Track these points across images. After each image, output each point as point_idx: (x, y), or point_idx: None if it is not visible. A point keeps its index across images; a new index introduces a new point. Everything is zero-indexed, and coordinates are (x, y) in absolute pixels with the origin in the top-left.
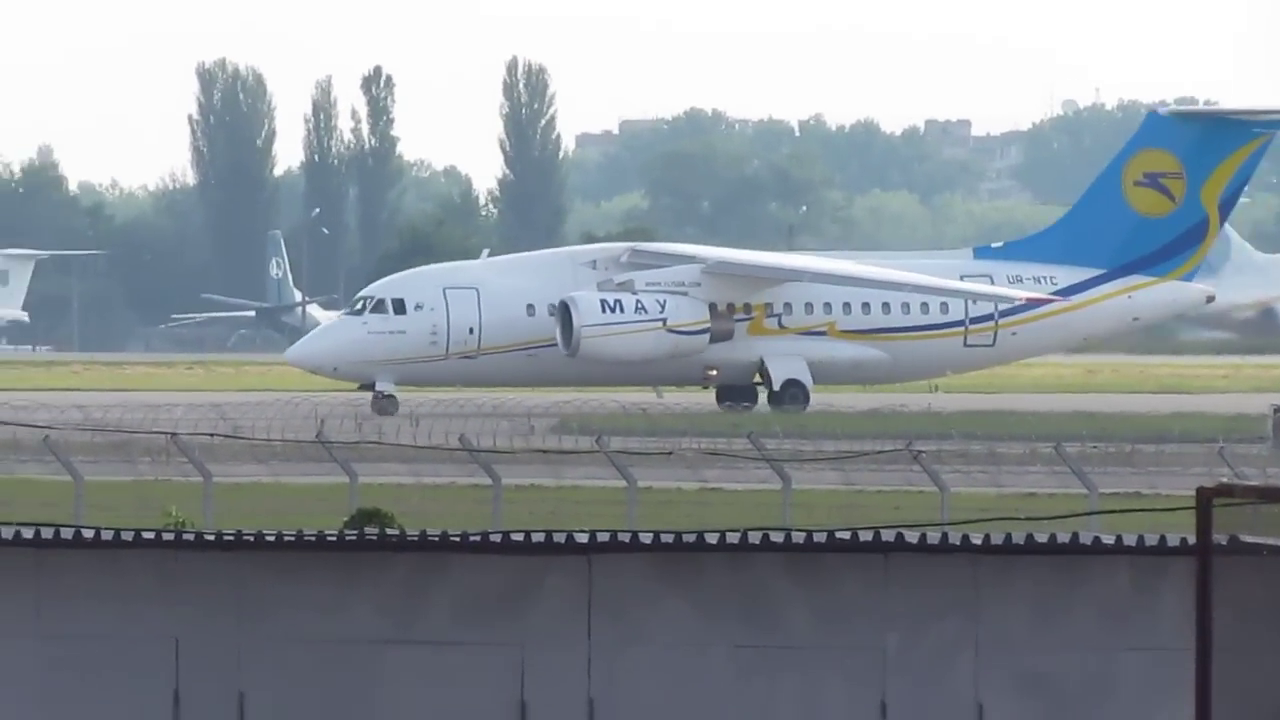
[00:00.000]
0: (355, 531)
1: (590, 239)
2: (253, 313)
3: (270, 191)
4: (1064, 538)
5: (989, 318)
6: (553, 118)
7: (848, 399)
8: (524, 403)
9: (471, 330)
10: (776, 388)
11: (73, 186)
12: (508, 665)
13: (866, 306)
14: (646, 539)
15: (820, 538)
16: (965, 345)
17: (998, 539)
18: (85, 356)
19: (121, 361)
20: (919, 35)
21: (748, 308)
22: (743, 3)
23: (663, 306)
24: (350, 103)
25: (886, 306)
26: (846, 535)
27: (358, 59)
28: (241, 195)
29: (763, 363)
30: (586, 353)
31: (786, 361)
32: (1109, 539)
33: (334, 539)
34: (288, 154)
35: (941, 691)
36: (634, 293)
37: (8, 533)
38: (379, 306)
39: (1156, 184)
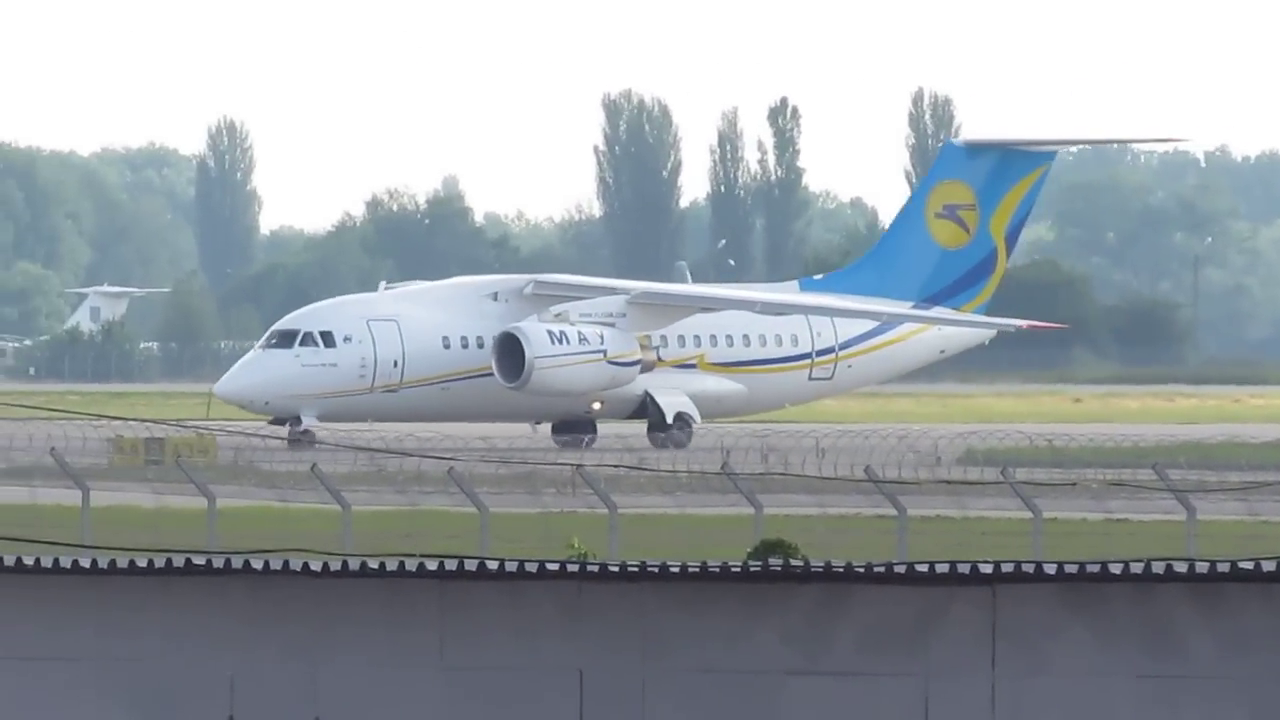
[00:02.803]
0: (760, 562)
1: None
2: None
3: (676, 222)
4: None
5: (830, 350)
6: None
7: (1251, 429)
8: (930, 433)
9: (395, 363)
10: (669, 420)
11: (478, 218)
12: (911, 696)
13: (730, 339)
14: (1051, 569)
15: (1224, 568)
16: (810, 378)
17: None
18: None
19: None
20: None
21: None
22: (1145, 32)
23: (601, 338)
24: (756, 134)
25: (747, 339)
26: (1250, 565)
27: (764, 90)
28: (647, 226)
29: (649, 395)
30: (536, 384)
31: (670, 394)
32: None
33: (738, 570)
34: (693, 185)
35: None
36: (572, 324)
37: (412, 564)
38: (308, 339)
39: (954, 216)
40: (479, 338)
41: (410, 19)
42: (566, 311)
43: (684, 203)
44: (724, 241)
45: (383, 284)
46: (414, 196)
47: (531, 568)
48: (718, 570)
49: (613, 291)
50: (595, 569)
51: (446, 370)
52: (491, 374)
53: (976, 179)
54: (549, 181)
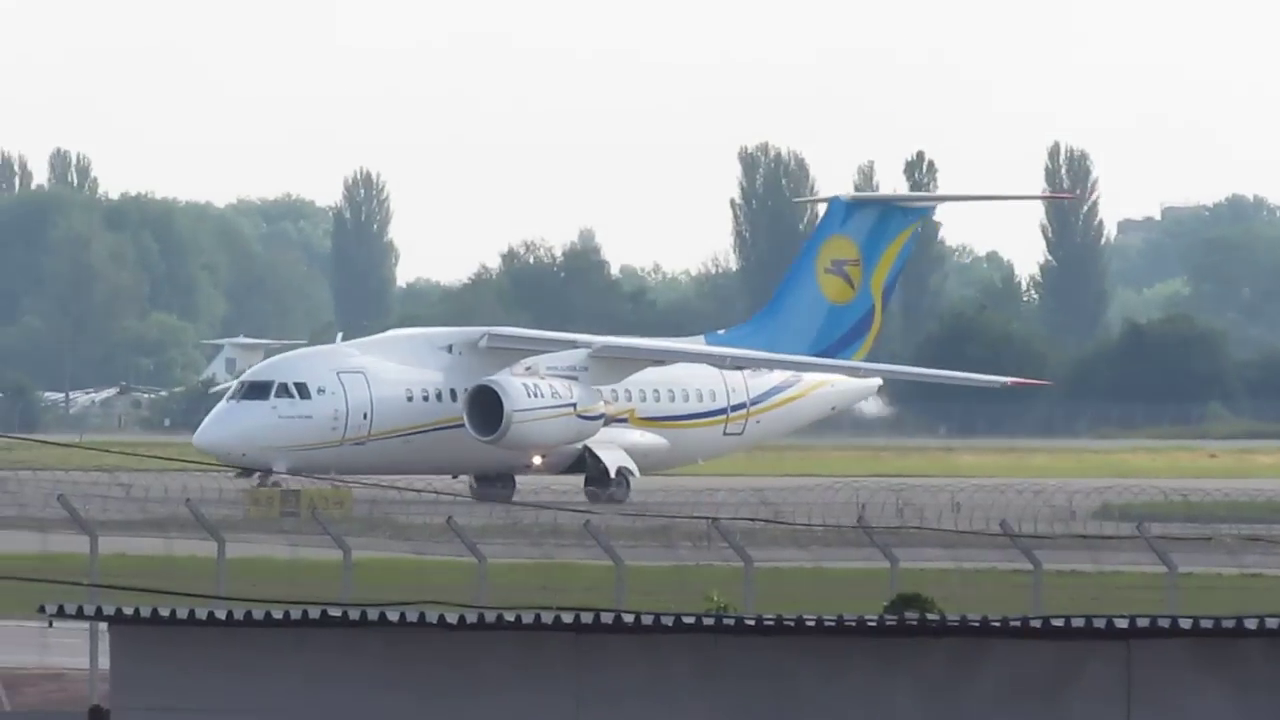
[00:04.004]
0: (895, 617)
1: (1133, 326)
2: None
3: None
4: None
5: (743, 406)
6: (1095, 203)
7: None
8: (1065, 487)
9: (365, 415)
10: (612, 474)
11: (614, 271)
12: None
13: (658, 394)
14: (1186, 624)
15: None
16: (724, 433)
17: None
18: None
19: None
20: None
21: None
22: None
23: (571, 391)
24: (893, 186)
25: (672, 394)
26: None
27: (900, 143)
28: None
29: (588, 450)
30: (513, 437)
31: (608, 449)
32: None
33: (874, 624)
34: None
35: None
36: (542, 377)
37: (548, 617)
38: (282, 390)
39: (841, 271)
40: (438, 391)
41: (547, 72)
42: (536, 364)
43: None
44: None
45: (339, 335)
46: (550, 249)
47: (667, 621)
48: (853, 624)
49: (566, 344)
50: (731, 623)
51: (412, 423)
52: (457, 426)
53: (860, 235)
54: (685, 234)
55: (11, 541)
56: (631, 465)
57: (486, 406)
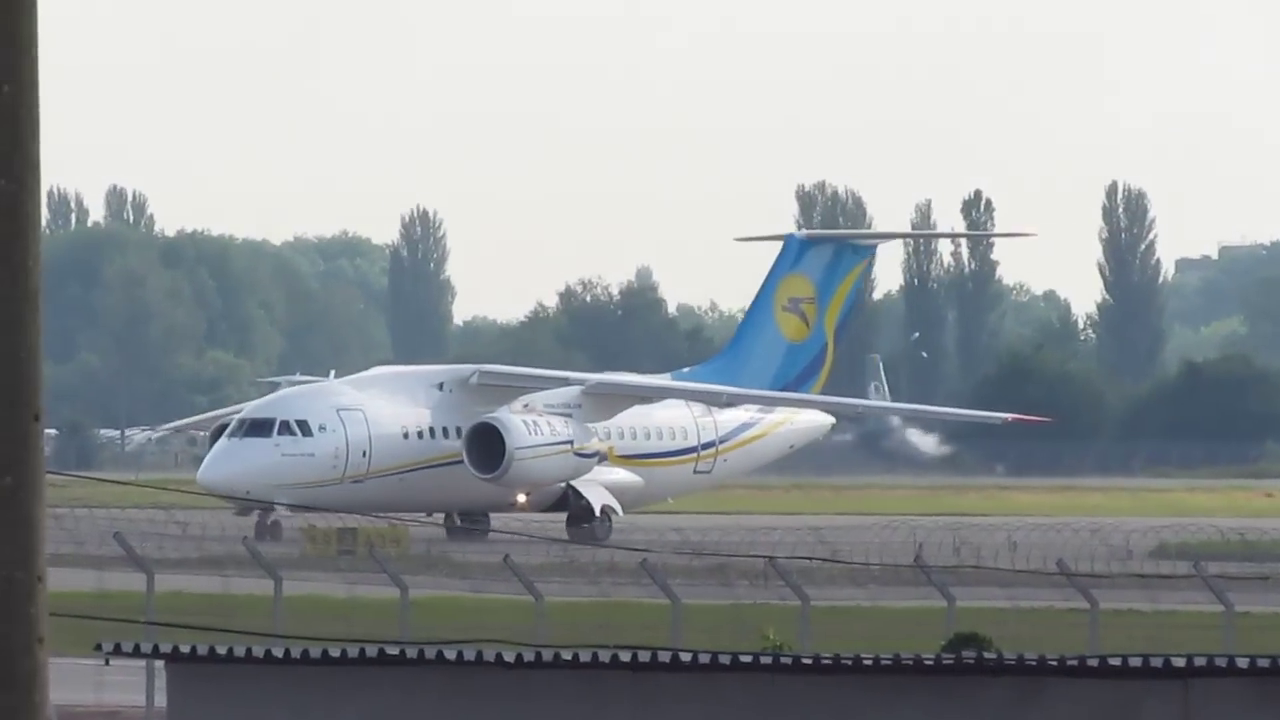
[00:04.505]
0: (952, 656)
1: (1190, 365)
2: (849, 436)
3: (869, 315)
4: None
5: (712, 445)
6: (1152, 242)
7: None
8: (1122, 526)
9: (364, 453)
10: (597, 512)
11: (671, 308)
12: None
13: (634, 432)
14: (1244, 664)
15: None
16: (694, 472)
17: None
18: None
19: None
20: None
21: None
22: None
23: (568, 428)
24: (950, 225)
25: (648, 433)
26: None
27: (957, 181)
28: None
29: (571, 488)
30: (515, 475)
31: (591, 487)
32: None
33: (931, 663)
34: (887, 277)
35: None
36: (540, 415)
37: (606, 655)
38: (284, 428)
39: (798, 309)
40: (431, 428)
41: (601, 111)
42: (534, 402)
43: (877, 295)
44: (917, 334)
45: (331, 372)
46: (607, 287)
47: (725, 659)
48: (911, 663)
49: (558, 381)
50: (788, 661)
51: (409, 460)
52: (452, 463)
53: (815, 272)
54: (742, 272)
55: (68, 579)
56: (614, 503)
57: (486, 444)
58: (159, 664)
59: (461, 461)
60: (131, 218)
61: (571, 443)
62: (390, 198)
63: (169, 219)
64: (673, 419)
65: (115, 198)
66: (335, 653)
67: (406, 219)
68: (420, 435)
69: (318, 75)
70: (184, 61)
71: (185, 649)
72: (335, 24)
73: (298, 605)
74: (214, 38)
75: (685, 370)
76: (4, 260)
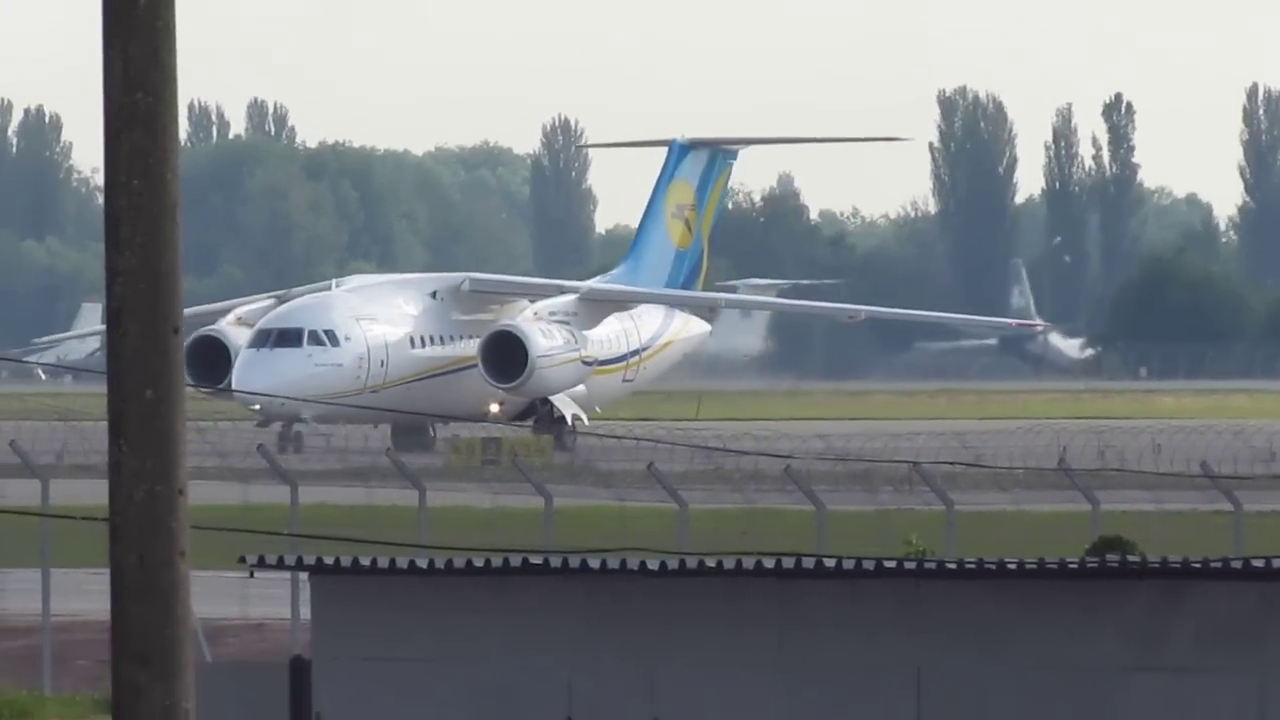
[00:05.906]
0: (1097, 559)
1: None
2: (994, 340)
3: (1011, 219)
4: None
5: (636, 353)
6: None
7: None
8: (1266, 429)
9: (382, 363)
10: (568, 421)
11: (814, 215)
12: (1247, 692)
13: (587, 341)
14: None
15: None
16: (624, 380)
17: None
18: (828, 385)
19: (864, 390)
20: None
21: None
22: None
23: (574, 337)
24: (1091, 130)
25: (600, 342)
26: None
27: (1099, 86)
28: (983, 223)
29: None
30: (535, 383)
31: (558, 397)
32: None
33: (1075, 567)
34: (1029, 181)
35: None
36: (549, 323)
37: (750, 563)
38: (314, 338)
39: (683, 216)
40: (433, 336)
41: (743, 13)
42: (541, 310)
43: (1019, 199)
44: (1059, 239)
45: (334, 282)
46: (749, 194)
47: (869, 565)
48: (1055, 567)
49: (551, 290)
50: (933, 566)
51: (419, 369)
52: (460, 370)
53: (695, 178)
54: (885, 179)
55: (212, 492)
56: (581, 413)
57: (503, 352)
58: (303, 576)
59: (468, 369)
60: (273, 130)
61: (579, 350)
62: (532, 108)
63: (310, 131)
64: (611, 329)
65: (256, 110)
66: (479, 563)
67: (548, 128)
68: (424, 343)
69: None
70: None
71: (329, 560)
72: None
73: (442, 516)
74: None
75: (604, 275)
76: (142, 173)
